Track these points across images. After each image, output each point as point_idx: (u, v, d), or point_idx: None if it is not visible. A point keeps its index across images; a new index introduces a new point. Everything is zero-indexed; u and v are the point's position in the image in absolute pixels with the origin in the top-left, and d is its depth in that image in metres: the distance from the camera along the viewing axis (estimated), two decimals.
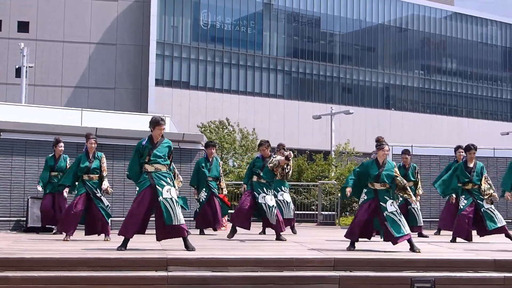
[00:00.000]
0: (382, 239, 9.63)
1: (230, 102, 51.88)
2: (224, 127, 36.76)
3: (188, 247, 8.68)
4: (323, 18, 57.56)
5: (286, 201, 13.30)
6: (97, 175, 11.13)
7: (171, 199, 8.78)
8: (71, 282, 7.22)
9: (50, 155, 12.77)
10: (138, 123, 21.85)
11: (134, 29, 51.93)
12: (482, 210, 11.66)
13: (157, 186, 8.80)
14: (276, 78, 55.33)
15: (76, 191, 11.17)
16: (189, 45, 52.31)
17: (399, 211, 9.49)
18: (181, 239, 8.77)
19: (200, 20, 52.76)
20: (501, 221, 11.66)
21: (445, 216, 13.98)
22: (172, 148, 9.22)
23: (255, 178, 11.66)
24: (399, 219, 9.35)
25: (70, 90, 50.71)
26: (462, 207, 11.79)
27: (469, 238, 11.68)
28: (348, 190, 9.73)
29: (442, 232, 14.30)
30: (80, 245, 9.64)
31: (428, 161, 16.57)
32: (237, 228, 11.67)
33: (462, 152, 13.91)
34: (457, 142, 15.35)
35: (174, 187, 9.03)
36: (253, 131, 36.85)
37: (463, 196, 11.81)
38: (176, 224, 8.72)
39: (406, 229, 9.35)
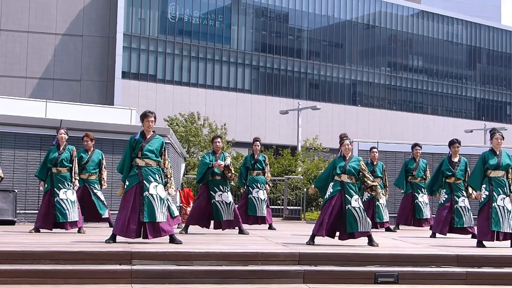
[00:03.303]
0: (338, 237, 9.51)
1: (197, 96, 51.67)
2: (193, 121, 36.51)
3: (174, 240, 8.81)
4: (291, 14, 57.65)
5: (260, 198, 13.09)
6: (66, 168, 10.86)
7: (156, 195, 8.77)
8: (34, 275, 7.14)
9: None
10: (103, 115, 21.63)
11: (101, 20, 51.36)
12: (455, 206, 11.79)
13: (144, 181, 8.78)
14: (243, 73, 55.28)
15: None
16: (157, 38, 51.96)
17: (362, 208, 9.38)
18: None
19: (167, 13, 52.42)
20: (469, 222, 11.78)
21: (402, 211, 14.20)
22: (165, 146, 9.18)
23: (209, 177, 11.39)
24: (359, 216, 9.26)
25: (34, 82, 49.97)
26: (442, 201, 11.93)
27: (444, 233, 11.78)
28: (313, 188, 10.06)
29: (402, 227, 14.47)
30: (43, 238, 9.54)
31: (394, 157, 16.71)
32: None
33: (419, 149, 14.21)
34: (422, 139, 15.56)
35: (162, 184, 8.97)
36: (223, 126, 36.73)
37: (444, 191, 11.94)
38: (159, 221, 8.71)
39: (364, 227, 9.27)
